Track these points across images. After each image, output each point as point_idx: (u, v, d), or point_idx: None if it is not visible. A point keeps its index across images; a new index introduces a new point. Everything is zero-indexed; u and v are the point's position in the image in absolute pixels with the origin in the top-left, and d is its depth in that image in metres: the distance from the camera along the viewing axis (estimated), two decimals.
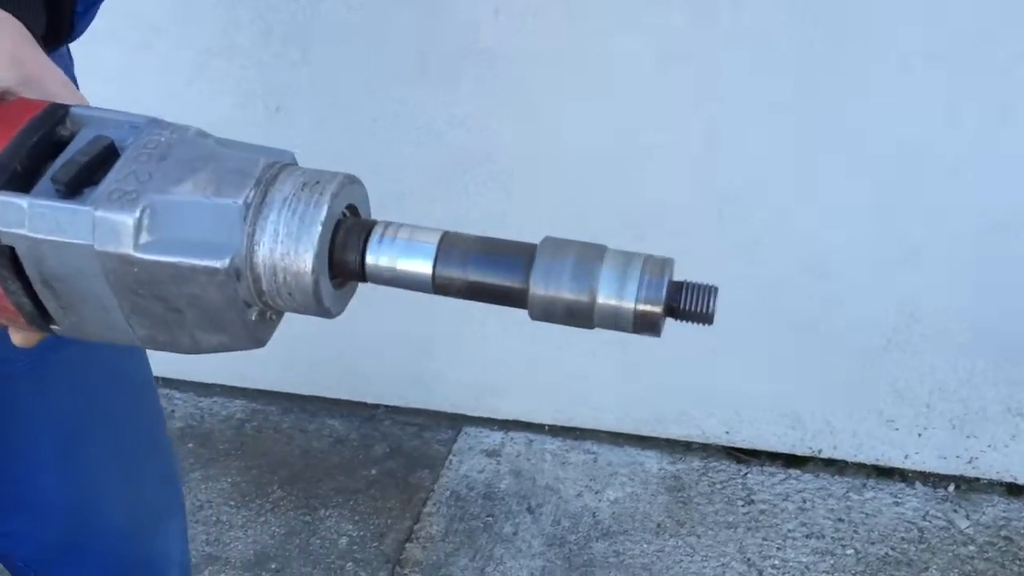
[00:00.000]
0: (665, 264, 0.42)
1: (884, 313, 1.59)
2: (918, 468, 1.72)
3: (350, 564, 1.65)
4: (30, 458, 0.83)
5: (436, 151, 1.61)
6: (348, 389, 1.96)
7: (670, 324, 0.43)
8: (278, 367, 1.96)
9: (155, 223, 0.40)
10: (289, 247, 0.41)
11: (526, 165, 1.59)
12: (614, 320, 0.42)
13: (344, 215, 0.43)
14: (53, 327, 0.46)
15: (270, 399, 2.00)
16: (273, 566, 1.65)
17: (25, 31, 0.50)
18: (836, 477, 1.75)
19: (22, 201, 0.41)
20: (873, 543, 1.62)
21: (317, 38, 1.55)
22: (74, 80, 0.67)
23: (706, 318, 0.42)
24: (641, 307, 0.41)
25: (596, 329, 0.43)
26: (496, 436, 1.88)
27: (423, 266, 0.43)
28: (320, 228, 0.41)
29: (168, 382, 2.04)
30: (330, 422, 1.95)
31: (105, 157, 0.42)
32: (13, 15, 0.51)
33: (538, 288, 0.42)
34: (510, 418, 1.89)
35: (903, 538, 1.63)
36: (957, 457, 1.69)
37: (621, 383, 1.78)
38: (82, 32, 0.62)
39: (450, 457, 1.85)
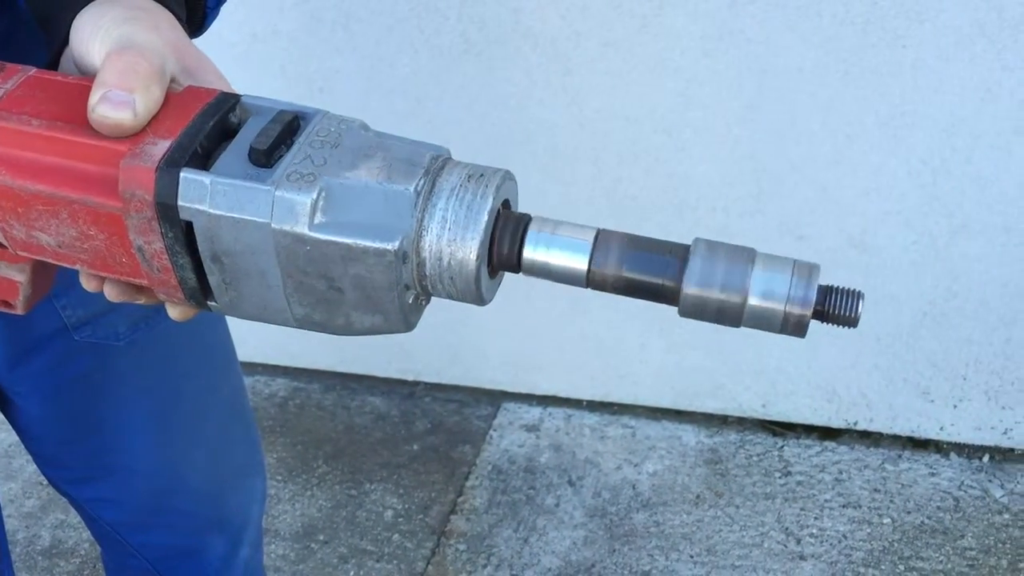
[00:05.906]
0: (813, 269, 0.43)
1: (922, 286, 1.61)
2: (953, 439, 1.75)
3: (396, 535, 1.69)
4: (124, 428, 0.86)
5: (479, 131, 1.64)
6: (388, 367, 2.00)
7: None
8: (318, 346, 2.00)
9: (330, 205, 0.43)
10: (456, 234, 0.43)
11: (567, 144, 1.62)
12: (763, 320, 0.43)
13: (499, 209, 0.46)
14: (211, 303, 0.48)
15: (311, 377, 2.04)
16: (321, 537, 1.70)
17: (177, 23, 0.52)
18: (871, 449, 1.78)
19: (205, 178, 0.43)
20: (909, 512, 1.65)
21: (362, 19, 1.58)
22: None
23: (851, 321, 0.43)
24: (791, 309, 0.43)
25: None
26: (535, 411, 1.92)
27: (578, 262, 0.45)
28: (486, 218, 0.43)
29: None
30: (371, 399, 1.99)
31: (292, 130, 0.45)
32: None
33: (691, 287, 0.43)
34: (548, 394, 1.93)
35: (939, 507, 1.66)
36: (992, 428, 1.71)
37: (657, 359, 1.81)
38: (208, 27, 0.62)
39: (490, 432, 1.89)
